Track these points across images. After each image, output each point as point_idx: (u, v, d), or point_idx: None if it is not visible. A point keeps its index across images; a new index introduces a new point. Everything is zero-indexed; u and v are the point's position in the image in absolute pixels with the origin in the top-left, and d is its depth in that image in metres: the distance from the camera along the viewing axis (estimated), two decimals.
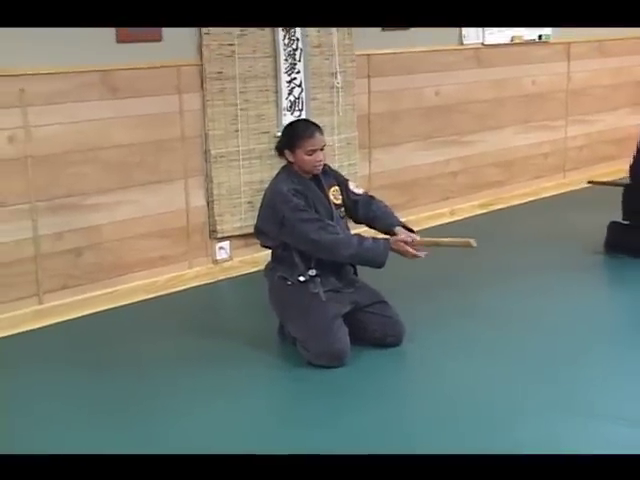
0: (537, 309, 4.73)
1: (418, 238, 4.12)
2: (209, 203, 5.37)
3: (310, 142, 4.04)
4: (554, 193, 7.56)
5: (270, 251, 4.27)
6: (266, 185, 4.28)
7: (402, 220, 4.33)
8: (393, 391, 3.83)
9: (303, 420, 3.57)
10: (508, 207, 7.08)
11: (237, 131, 5.37)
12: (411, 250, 3.98)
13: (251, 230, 4.45)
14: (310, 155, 4.03)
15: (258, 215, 4.18)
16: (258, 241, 4.30)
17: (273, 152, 4.38)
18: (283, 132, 4.20)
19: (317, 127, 4.13)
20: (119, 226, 5.03)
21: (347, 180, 4.35)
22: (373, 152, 6.24)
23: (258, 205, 4.25)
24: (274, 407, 3.76)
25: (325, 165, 4.19)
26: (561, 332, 4.40)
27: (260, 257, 5.18)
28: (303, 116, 5.55)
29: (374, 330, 4.19)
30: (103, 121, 4.86)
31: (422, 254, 4.02)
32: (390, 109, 6.31)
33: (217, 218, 5.39)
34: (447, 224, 6.59)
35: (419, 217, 6.47)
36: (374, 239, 4.00)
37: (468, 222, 6.64)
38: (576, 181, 7.73)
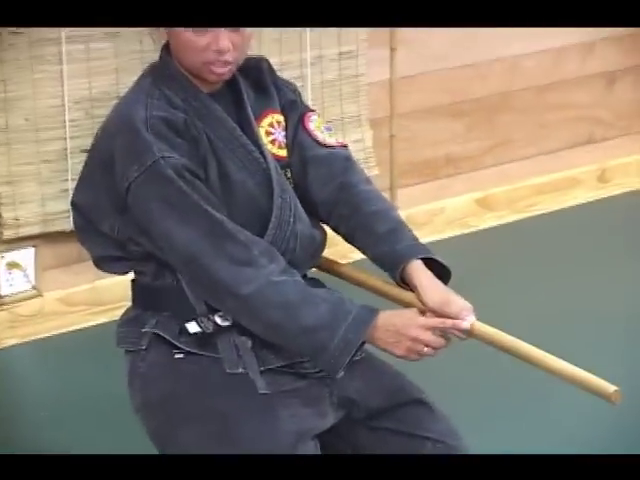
0: None
1: (471, 323, 1.71)
2: None
3: None
4: None
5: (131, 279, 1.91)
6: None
7: (418, 243, 1.78)
8: None
9: None
10: None
11: None
12: (426, 350, 1.68)
13: None
14: (200, 34, 1.77)
15: (80, 177, 1.91)
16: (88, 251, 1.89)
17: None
18: None
19: None
20: None
21: (307, 110, 2.03)
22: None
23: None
24: None
25: (260, 61, 1.93)
26: None
27: (113, 286, 2.66)
28: None
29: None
30: None
31: (445, 346, 1.72)
32: None
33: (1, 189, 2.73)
34: (592, 204, 3.34)
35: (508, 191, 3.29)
36: (345, 303, 1.68)
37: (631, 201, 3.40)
38: None
